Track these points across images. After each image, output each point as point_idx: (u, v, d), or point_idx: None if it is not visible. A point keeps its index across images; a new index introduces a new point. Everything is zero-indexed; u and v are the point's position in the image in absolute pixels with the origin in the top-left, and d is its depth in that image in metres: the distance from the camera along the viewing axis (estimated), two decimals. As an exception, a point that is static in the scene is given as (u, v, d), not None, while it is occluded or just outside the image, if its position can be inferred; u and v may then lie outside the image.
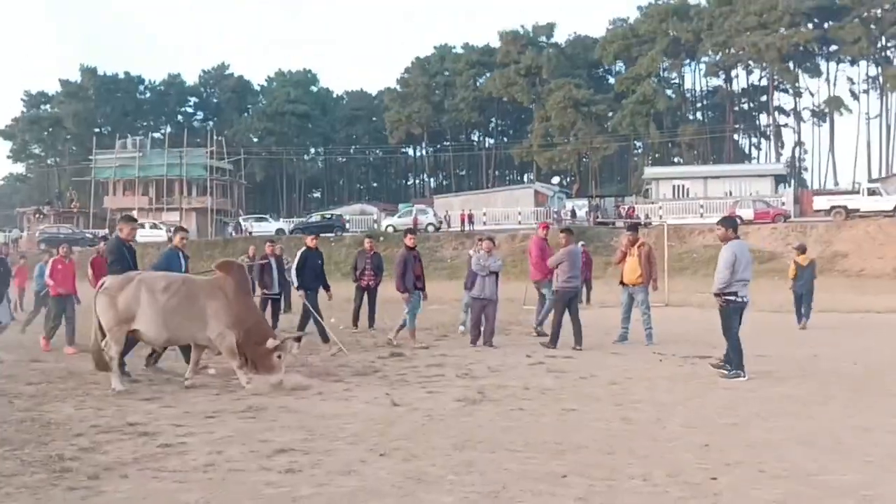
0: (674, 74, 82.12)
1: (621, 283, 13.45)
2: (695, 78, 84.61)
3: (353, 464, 5.67)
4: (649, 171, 64.34)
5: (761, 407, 7.74)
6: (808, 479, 5.27)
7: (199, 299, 8.72)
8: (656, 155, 78.78)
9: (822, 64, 77.25)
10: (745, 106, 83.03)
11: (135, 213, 50.21)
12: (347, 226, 52.56)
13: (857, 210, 44.60)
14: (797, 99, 79.93)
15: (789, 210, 49.61)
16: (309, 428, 6.79)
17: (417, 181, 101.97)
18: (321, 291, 13.33)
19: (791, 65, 74.16)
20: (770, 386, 8.97)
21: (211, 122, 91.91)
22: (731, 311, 9.54)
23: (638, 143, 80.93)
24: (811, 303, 16.47)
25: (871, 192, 46.11)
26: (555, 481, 5.27)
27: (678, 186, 58.70)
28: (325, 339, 12.46)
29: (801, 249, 17.64)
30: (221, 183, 71.44)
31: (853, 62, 75.06)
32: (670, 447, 6.17)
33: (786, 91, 79.54)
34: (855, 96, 76.39)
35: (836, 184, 71.05)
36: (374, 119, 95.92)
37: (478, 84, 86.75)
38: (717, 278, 9.54)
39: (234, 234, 54.90)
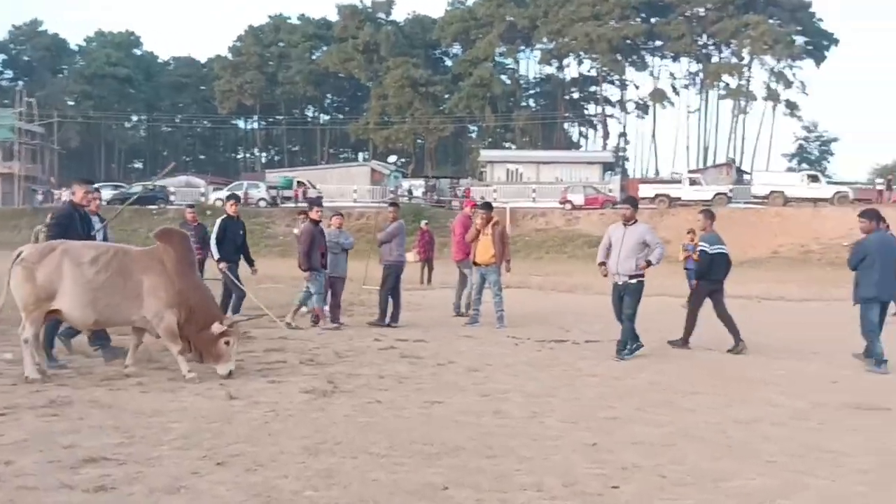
0: (510, 60, 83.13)
1: (474, 262, 12.78)
2: (529, 65, 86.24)
3: (182, 477, 4.57)
4: (485, 154, 64.80)
5: (635, 397, 7.21)
6: (716, 486, 4.66)
7: (133, 273, 7.44)
8: (489, 139, 79.54)
9: (648, 58, 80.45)
10: (575, 95, 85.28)
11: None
12: (172, 198, 49.60)
13: (679, 199, 46.50)
14: (623, 91, 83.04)
15: (616, 197, 51.20)
16: (126, 429, 5.58)
17: (248, 155, 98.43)
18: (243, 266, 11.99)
19: (619, 57, 76.70)
20: (635, 372, 8.53)
21: (21, 82, 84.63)
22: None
23: (473, 126, 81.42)
24: None
25: (693, 182, 48.27)
26: (434, 495, 4.40)
27: (512, 170, 59.42)
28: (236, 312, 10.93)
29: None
30: (31, 147, 65.99)
31: (675, 58, 78.56)
32: (555, 447, 5.44)
33: (612, 83, 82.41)
34: (676, 91, 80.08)
35: (657, 173, 74.33)
36: (202, 88, 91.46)
37: (314, 57, 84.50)
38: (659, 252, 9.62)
39: (43, 202, 50.61)
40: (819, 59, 74.90)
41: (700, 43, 75.50)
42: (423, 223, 22.03)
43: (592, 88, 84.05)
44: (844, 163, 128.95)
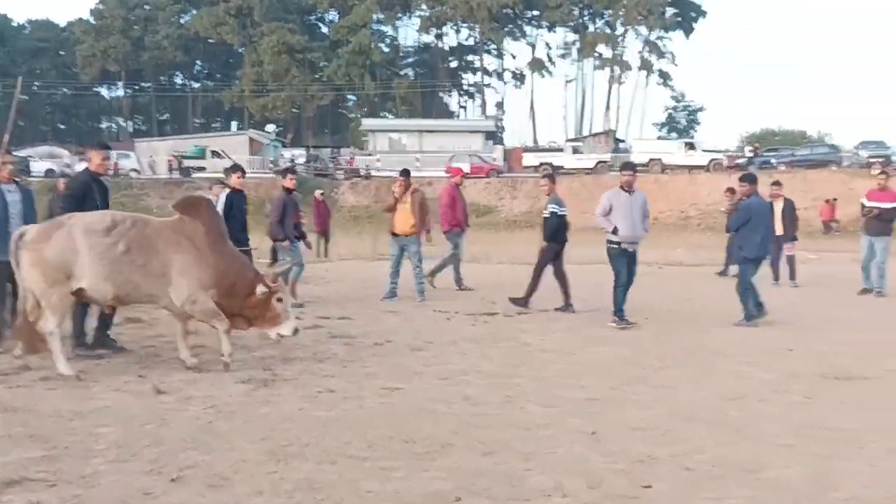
0: (388, 27, 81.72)
1: (392, 233, 12.02)
2: (408, 32, 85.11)
3: (131, 499, 3.71)
4: (367, 123, 63.60)
5: (604, 374, 6.70)
6: (756, 479, 4.15)
7: (157, 249, 6.52)
8: (365, 109, 78.09)
9: (526, 28, 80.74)
10: (454, 64, 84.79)
11: None
12: (33, 170, 46.24)
13: (562, 167, 46.90)
14: (501, 60, 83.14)
15: (501, 165, 51.27)
16: (45, 438, 4.63)
17: (112, 124, 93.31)
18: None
19: (498, 26, 76.57)
20: (587, 346, 8.05)
21: None
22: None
23: (352, 95, 79.79)
24: None
25: (575, 151, 48.81)
26: (449, 507, 3.71)
27: (395, 139, 58.56)
28: None
29: None
30: None
31: (551, 27, 79.08)
32: (552, 438, 4.83)
33: (490, 52, 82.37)
34: (551, 60, 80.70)
35: (536, 143, 74.94)
36: (62, 53, 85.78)
37: (182, 21, 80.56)
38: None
39: None
40: (688, 30, 76.91)
41: (576, 13, 76.20)
42: (317, 193, 20.99)
43: (471, 58, 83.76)
44: (710, 131, 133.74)
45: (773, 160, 46.74)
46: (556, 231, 10.96)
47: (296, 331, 6.87)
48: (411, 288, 11.77)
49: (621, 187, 9.71)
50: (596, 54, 76.31)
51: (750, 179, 9.98)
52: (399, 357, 7.37)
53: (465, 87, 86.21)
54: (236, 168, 10.92)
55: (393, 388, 6.09)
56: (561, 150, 52.18)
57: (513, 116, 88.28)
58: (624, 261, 9.61)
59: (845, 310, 11.31)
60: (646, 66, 74.15)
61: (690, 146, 47.34)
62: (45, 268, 6.19)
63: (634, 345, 8.21)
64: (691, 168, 45.04)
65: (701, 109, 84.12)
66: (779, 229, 14.36)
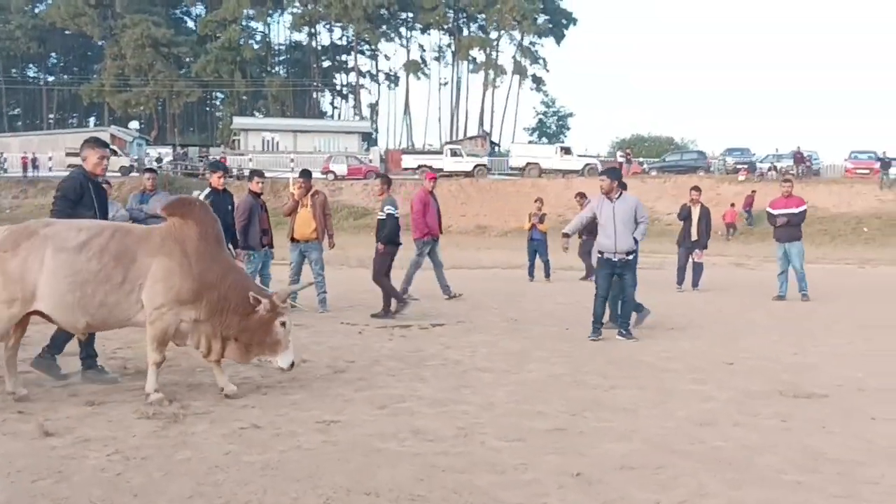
0: (260, 24, 79.49)
1: (291, 238, 11.12)
2: (279, 30, 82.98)
3: None
4: (238, 122, 61.54)
5: (552, 396, 6.09)
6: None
7: (137, 258, 5.59)
8: (234, 107, 75.57)
9: (401, 29, 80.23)
10: (326, 64, 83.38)
11: None
12: None
13: (441, 169, 46.66)
14: (375, 61, 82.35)
15: (378, 167, 50.49)
16: None
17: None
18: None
19: (372, 26, 75.70)
20: (521, 362, 7.44)
21: None
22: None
23: (221, 93, 77.07)
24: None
25: (454, 153, 48.60)
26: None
27: (268, 139, 56.92)
28: None
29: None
30: None
31: (426, 30, 78.88)
32: (537, 483, 4.14)
33: (363, 53, 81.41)
34: (425, 63, 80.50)
35: (412, 145, 74.50)
36: None
37: (37, 10, 75.78)
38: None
39: None
40: (559, 37, 78.34)
41: (451, 16, 76.26)
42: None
43: (344, 58, 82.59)
44: (579, 137, 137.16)
45: (645, 165, 48.05)
46: (392, 233, 10.74)
47: (292, 365, 5.99)
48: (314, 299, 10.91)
49: (604, 194, 9.14)
50: (470, 58, 76.69)
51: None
52: (322, 381, 6.54)
53: (338, 88, 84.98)
54: (217, 166, 9.94)
55: (329, 422, 5.27)
56: (439, 152, 51.91)
57: (387, 118, 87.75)
58: (608, 272, 9.06)
59: (758, 316, 11.20)
60: (519, 70, 75.02)
61: (566, 151, 47.96)
62: (5, 279, 5.35)
63: (569, 360, 7.67)
64: (566, 172, 45.61)
65: (571, 115, 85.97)
66: (694, 234, 14.36)
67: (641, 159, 51.86)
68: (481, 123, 75.98)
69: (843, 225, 37.45)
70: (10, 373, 5.66)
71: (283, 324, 5.85)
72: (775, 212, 13.43)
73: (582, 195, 16.92)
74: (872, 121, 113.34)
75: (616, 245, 8.90)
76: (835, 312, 11.88)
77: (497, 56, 75.65)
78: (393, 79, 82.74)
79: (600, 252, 9.08)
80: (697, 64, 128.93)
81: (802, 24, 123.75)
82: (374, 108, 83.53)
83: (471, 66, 77.81)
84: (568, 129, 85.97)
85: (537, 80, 77.32)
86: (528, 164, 46.98)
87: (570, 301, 12.46)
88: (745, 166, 44.23)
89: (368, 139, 65.35)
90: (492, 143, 63.91)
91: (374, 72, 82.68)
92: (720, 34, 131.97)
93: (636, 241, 9.04)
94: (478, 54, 76.40)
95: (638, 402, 6.00)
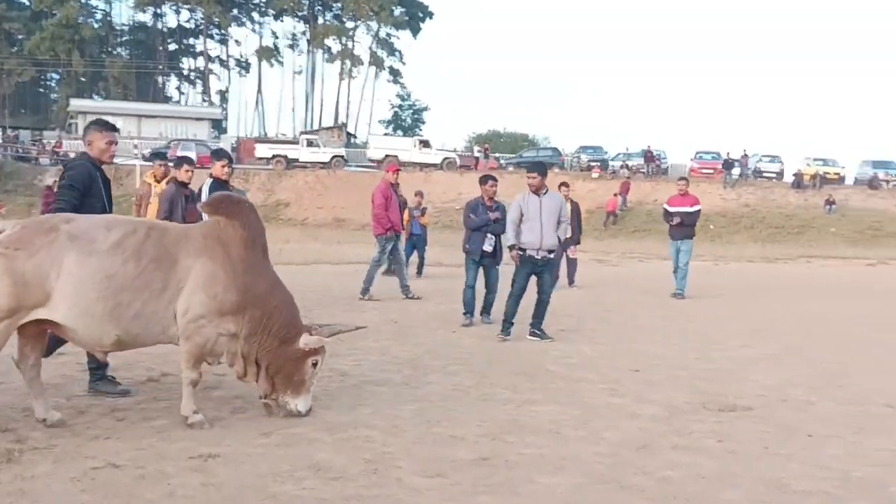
0: (100, 2, 74.82)
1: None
2: (122, 9, 78.44)
3: None
4: (76, 104, 57.37)
5: (462, 414, 5.35)
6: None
7: (178, 260, 4.82)
8: (72, 89, 70.79)
9: (254, 14, 77.53)
10: (173, 47, 79.54)
11: None
12: None
13: (297, 160, 45.38)
14: (225, 46, 79.26)
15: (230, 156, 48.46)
16: None
17: None
18: None
19: (223, 10, 72.74)
20: (421, 374, 6.65)
21: None
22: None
23: (57, 73, 72.01)
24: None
25: (310, 144, 47.24)
26: None
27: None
28: None
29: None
30: None
31: (279, 16, 76.57)
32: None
33: (212, 37, 78.22)
34: (278, 50, 78.19)
35: (264, 133, 72.18)
36: None
37: None
38: None
39: None
40: (415, 30, 77.86)
41: (305, 3, 74.33)
42: (49, 180, 17.85)
43: (192, 41, 79.04)
44: (435, 131, 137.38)
45: (502, 161, 48.29)
46: None
47: (309, 410, 5.19)
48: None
49: (531, 190, 8.62)
50: (326, 47, 75.07)
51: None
52: (228, 412, 5.51)
53: (185, 73, 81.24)
54: (223, 156, 8.79)
55: (206, 456, 4.31)
56: (295, 142, 50.40)
57: (238, 106, 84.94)
58: (528, 272, 8.58)
59: (646, 315, 10.90)
60: (376, 62, 74.05)
61: (425, 144, 47.50)
62: (14, 282, 4.44)
63: (469, 369, 6.95)
64: (425, 166, 45.19)
65: (426, 109, 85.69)
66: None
67: (497, 155, 52.14)
68: (337, 114, 74.49)
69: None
70: (36, 396, 4.83)
71: (315, 364, 5.16)
72: (672, 209, 13.59)
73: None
74: (716, 122, 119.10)
75: (542, 242, 8.46)
76: (718, 312, 11.77)
77: (353, 46, 74.34)
78: (244, 65, 79.83)
79: (522, 249, 8.51)
80: (549, 59, 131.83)
81: (657, 20, 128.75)
82: (224, 94, 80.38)
83: (326, 56, 76.18)
84: (423, 122, 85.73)
85: (394, 73, 76.53)
86: (386, 156, 46.15)
87: (449, 299, 11.76)
88: (598, 164, 45.20)
89: (218, 126, 62.78)
90: (348, 134, 62.72)
91: (224, 57, 79.56)
92: (573, 30, 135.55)
93: (559, 240, 8.63)
94: (333, 44, 74.80)
95: (560, 420, 5.34)
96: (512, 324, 8.58)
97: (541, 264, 8.55)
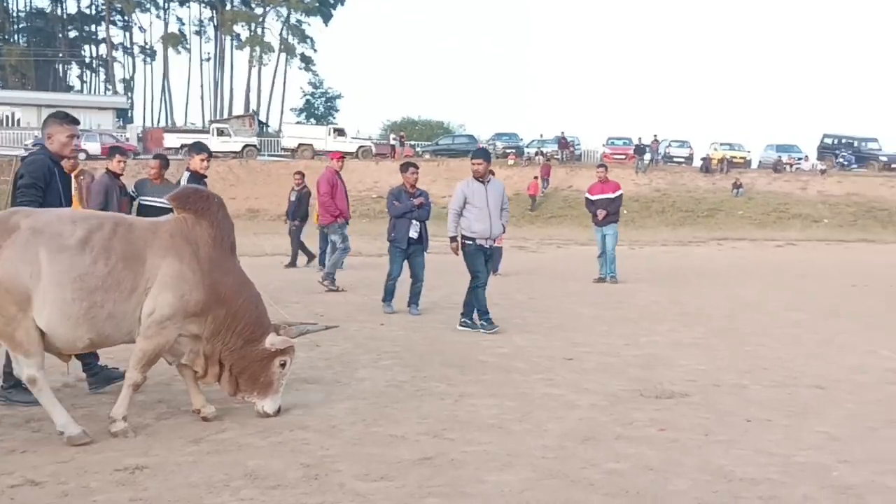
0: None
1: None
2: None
3: None
4: (-31, 93, 54.80)
5: (405, 413, 5.19)
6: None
7: (145, 258, 4.60)
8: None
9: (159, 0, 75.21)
10: (73, 34, 76.59)
11: None
12: None
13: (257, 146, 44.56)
14: (129, 33, 76.77)
15: (136, 146, 47.04)
16: None
17: None
18: None
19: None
20: (351, 368, 6.45)
21: None
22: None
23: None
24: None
25: (220, 133, 46.11)
26: None
27: (7, 114, 51.31)
28: None
29: None
30: None
31: (184, 1, 74.51)
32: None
33: (115, 23, 75.59)
34: (184, 36, 76.07)
35: (173, 123, 70.22)
36: None
37: None
38: None
39: None
40: (327, 17, 76.79)
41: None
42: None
43: (94, 28, 76.25)
44: (348, 119, 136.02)
45: (418, 148, 48.12)
46: None
47: (278, 411, 5.01)
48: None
49: (474, 177, 8.52)
50: (234, 33, 73.40)
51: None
52: (110, 406, 5.19)
53: (87, 60, 78.35)
54: (201, 149, 8.45)
55: (133, 468, 4.04)
56: (204, 131, 49.15)
57: (144, 94, 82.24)
58: (482, 259, 8.51)
59: (573, 302, 10.91)
60: (287, 49, 72.76)
61: (340, 132, 46.86)
62: None
63: (401, 363, 6.79)
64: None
65: (339, 97, 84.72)
66: None
67: (413, 142, 51.93)
68: (248, 102, 72.95)
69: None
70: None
71: (283, 365, 4.99)
72: (594, 197, 13.83)
73: (301, 174, 16.09)
74: (626, 108, 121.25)
75: (492, 230, 8.45)
76: (642, 297, 11.87)
77: (263, 33, 72.86)
78: (149, 52, 77.40)
79: (470, 239, 8.43)
80: (462, 45, 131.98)
81: (569, 5, 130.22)
82: (128, 83, 77.82)
83: (235, 43, 74.48)
84: (337, 110, 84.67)
85: (306, 60, 75.25)
86: (300, 145, 45.49)
87: (373, 291, 11.55)
88: (514, 151, 45.41)
89: (124, 115, 60.74)
90: (260, 122, 61.44)
91: (127, 44, 77.05)
92: (485, 15, 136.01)
93: (503, 228, 8.69)
94: (242, 30, 73.14)
95: (500, 414, 5.23)
96: (488, 312, 8.50)
97: (488, 252, 8.58)
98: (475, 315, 8.54)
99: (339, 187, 11.69)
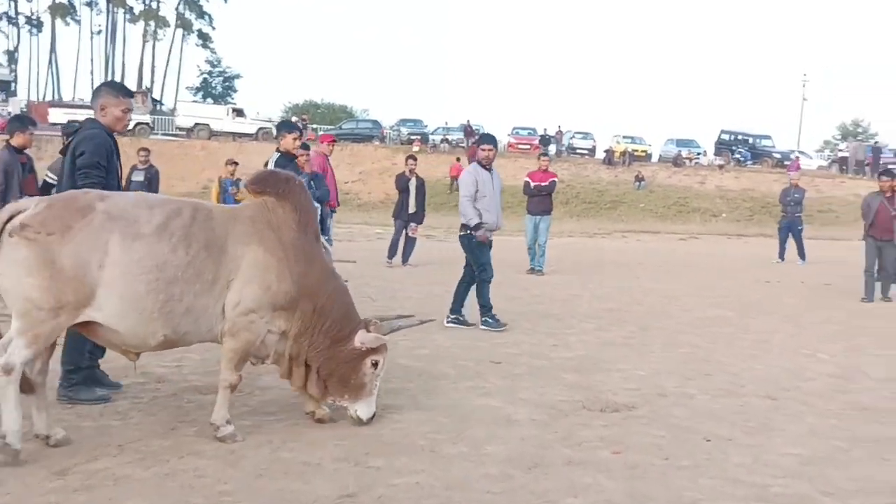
0: None
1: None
2: None
3: None
4: None
5: (307, 429, 4.42)
6: None
7: (227, 248, 4.10)
8: None
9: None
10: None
11: None
12: None
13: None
14: (14, 2, 72.41)
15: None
16: None
17: None
18: None
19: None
20: (248, 381, 5.62)
21: None
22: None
23: None
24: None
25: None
26: None
27: None
28: None
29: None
30: None
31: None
32: None
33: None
34: (73, 7, 72.30)
35: (60, 97, 66.61)
36: None
37: None
38: None
39: None
40: (226, -7, 74.35)
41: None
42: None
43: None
44: (248, 99, 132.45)
45: (321, 132, 46.82)
46: None
47: (373, 416, 4.56)
48: None
49: (479, 163, 8.04)
50: (127, 6, 70.14)
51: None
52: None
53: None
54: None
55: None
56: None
57: (29, 66, 77.46)
58: (489, 251, 7.99)
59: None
60: (184, 24, 69.99)
61: (239, 113, 45.19)
62: (51, 274, 3.73)
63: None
64: (239, 135, 43.10)
65: (238, 76, 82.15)
66: (412, 206, 13.39)
67: (316, 126, 50.62)
68: (141, 78, 69.84)
69: (511, 197, 39.03)
70: (39, 408, 4.05)
71: (376, 364, 4.52)
72: (533, 183, 13.90)
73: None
74: (532, 98, 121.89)
75: (498, 221, 8.02)
76: (563, 291, 11.34)
77: (158, 7, 69.89)
78: (36, 23, 73.25)
79: (475, 230, 7.84)
80: (365, 29, 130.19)
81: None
82: (12, 54, 73.43)
83: (128, 16, 71.17)
84: (235, 90, 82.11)
85: (203, 37, 72.45)
86: (196, 124, 43.59)
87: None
88: (419, 137, 44.69)
89: (7, 89, 57.18)
90: (153, 100, 58.87)
91: (12, 14, 72.63)
92: (388, 1, 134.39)
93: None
94: (135, 3, 70.03)
95: (431, 433, 4.51)
96: (491, 308, 8.01)
97: (488, 243, 8.06)
98: (463, 311, 8.12)
99: (329, 173, 10.91)
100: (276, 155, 7.87)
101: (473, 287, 8.09)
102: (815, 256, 17.39)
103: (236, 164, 15.25)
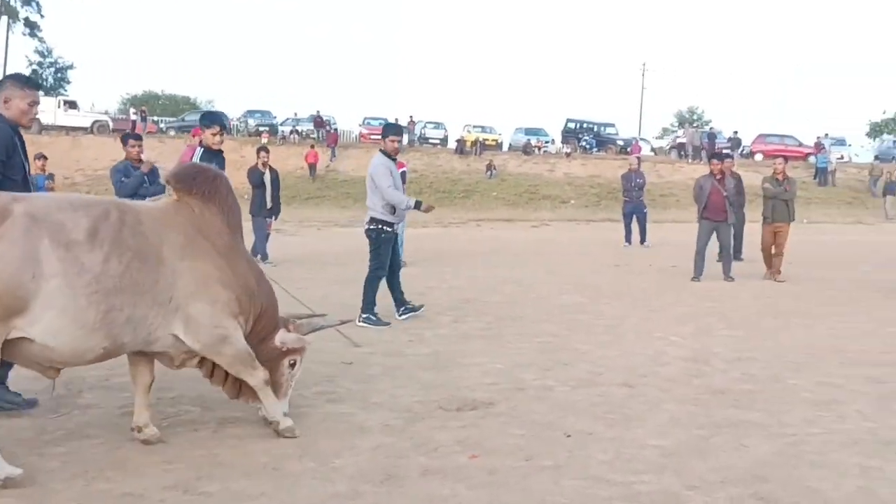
0: None
1: None
2: None
3: None
4: None
5: (190, 458, 3.92)
6: None
7: (162, 253, 3.82)
8: None
9: None
10: None
11: None
12: None
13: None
14: None
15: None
16: None
17: None
18: None
19: None
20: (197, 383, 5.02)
21: None
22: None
23: None
24: None
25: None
26: None
27: None
28: None
29: None
30: None
31: None
32: None
33: None
34: None
35: None
36: None
37: None
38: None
39: None
40: (56, -21, 70.04)
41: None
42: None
43: None
44: (83, 91, 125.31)
45: (162, 124, 45.00)
46: None
47: (288, 427, 4.28)
48: None
49: (389, 155, 8.00)
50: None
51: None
52: None
53: None
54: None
55: None
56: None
57: None
58: (391, 251, 7.97)
59: (341, 291, 9.86)
60: (9, 12, 65.42)
61: (72, 105, 42.64)
62: None
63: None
64: (72, 129, 40.72)
65: (71, 67, 77.71)
66: (269, 202, 12.83)
67: (156, 118, 48.48)
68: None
69: (363, 188, 38.71)
70: None
71: (293, 365, 4.39)
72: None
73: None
74: (382, 88, 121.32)
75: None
76: (417, 283, 10.99)
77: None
78: None
79: (388, 224, 7.99)
80: (207, 19, 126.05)
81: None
82: None
83: (-55, 2, 65.92)
84: (68, 82, 77.63)
85: (31, 25, 68.01)
86: (27, 117, 40.80)
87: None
88: (267, 129, 43.52)
89: None
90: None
91: None
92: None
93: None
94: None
95: (274, 448, 4.10)
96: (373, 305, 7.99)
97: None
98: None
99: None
100: (200, 150, 7.58)
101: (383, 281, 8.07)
102: (659, 239, 17.91)
103: (45, 157, 13.98)
